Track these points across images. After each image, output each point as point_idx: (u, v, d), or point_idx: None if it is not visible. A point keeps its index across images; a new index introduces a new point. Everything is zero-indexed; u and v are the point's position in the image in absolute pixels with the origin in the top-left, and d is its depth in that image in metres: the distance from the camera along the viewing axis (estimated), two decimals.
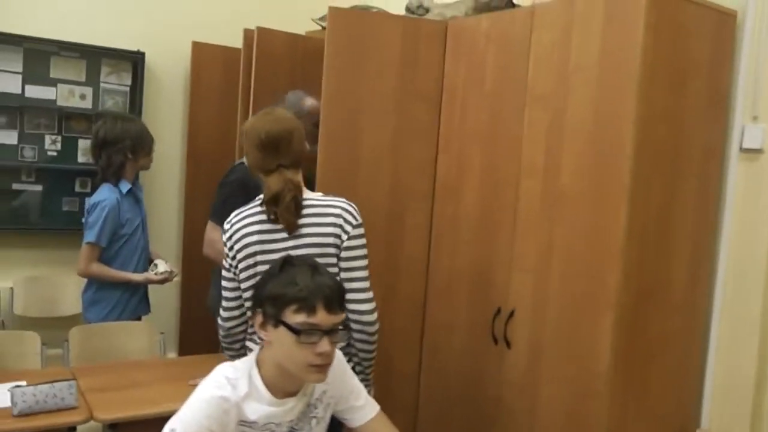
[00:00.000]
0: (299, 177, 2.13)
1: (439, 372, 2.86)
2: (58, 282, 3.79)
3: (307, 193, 2.13)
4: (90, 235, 3.04)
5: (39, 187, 3.79)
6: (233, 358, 2.29)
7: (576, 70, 2.31)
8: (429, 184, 2.88)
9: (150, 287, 3.29)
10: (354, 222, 2.10)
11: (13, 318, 3.69)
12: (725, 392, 2.46)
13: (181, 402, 2.33)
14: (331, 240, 2.07)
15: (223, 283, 2.20)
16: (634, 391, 2.29)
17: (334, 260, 2.08)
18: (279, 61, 3.30)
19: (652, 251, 2.27)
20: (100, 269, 3.08)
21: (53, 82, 3.75)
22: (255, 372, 1.69)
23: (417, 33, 2.80)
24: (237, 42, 4.02)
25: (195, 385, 2.42)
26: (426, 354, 2.93)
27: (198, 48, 3.99)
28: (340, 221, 2.08)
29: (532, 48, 2.47)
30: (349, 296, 2.00)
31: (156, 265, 3.19)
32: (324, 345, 1.59)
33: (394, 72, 2.78)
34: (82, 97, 3.83)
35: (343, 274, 2.07)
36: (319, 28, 3.90)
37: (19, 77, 3.67)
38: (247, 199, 2.36)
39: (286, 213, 2.05)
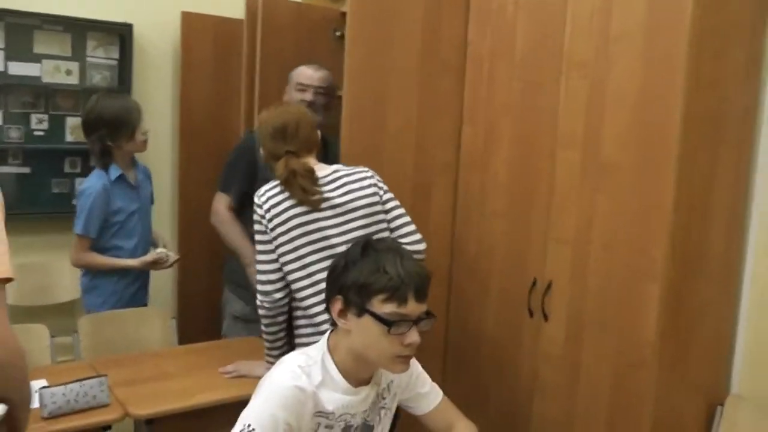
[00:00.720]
0: (309, 160, 2.27)
1: (467, 346, 2.83)
2: (52, 268, 3.61)
3: (328, 169, 2.27)
4: (77, 226, 2.87)
5: (26, 170, 3.57)
6: (274, 334, 2.27)
7: (618, 37, 2.25)
8: (453, 155, 2.81)
9: (152, 275, 3.16)
10: (381, 180, 2.33)
11: (8, 308, 3.50)
12: (755, 357, 2.47)
13: (216, 392, 2.31)
14: (376, 199, 2.26)
15: (261, 257, 2.23)
16: (678, 360, 2.28)
17: (385, 225, 2.27)
18: (284, 32, 3.15)
19: (697, 221, 2.24)
20: (92, 258, 2.91)
21: (37, 58, 3.52)
22: (328, 359, 1.62)
23: (439, 0, 2.70)
24: (227, 11, 3.90)
25: (226, 374, 2.42)
26: (452, 329, 2.89)
27: (188, 18, 3.79)
28: (374, 180, 2.29)
29: (568, 15, 2.39)
30: (406, 240, 2.28)
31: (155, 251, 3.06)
32: (413, 335, 1.53)
33: (418, 41, 2.68)
34: (68, 72, 3.61)
35: (393, 224, 2.29)
36: None
37: (1, 54, 3.44)
38: (250, 166, 2.73)
39: (293, 193, 2.18)
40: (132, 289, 3.02)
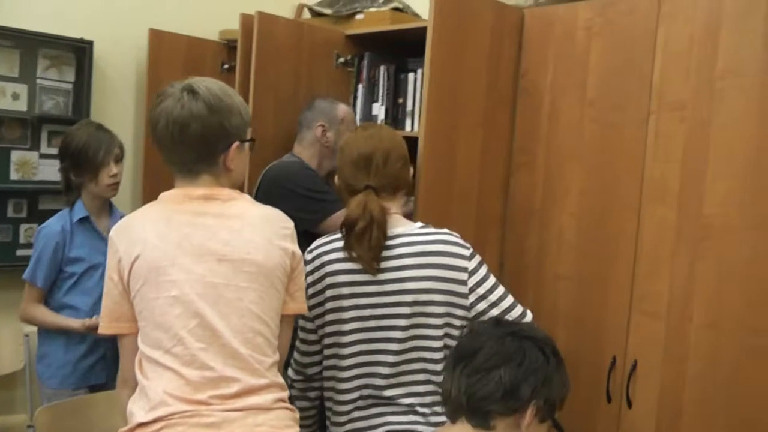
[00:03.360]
0: (393, 205, 1.84)
1: None
2: None
3: (403, 226, 1.83)
4: (26, 272, 2.39)
5: None
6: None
7: (726, 74, 1.89)
8: (501, 206, 2.39)
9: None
10: (466, 253, 1.80)
11: None
12: None
13: None
14: (446, 286, 1.77)
15: (301, 323, 1.89)
16: None
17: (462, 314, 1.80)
18: (282, 55, 2.66)
19: None
20: (35, 312, 2.41)
21: None
22: None
23: (503, 21, 2.29)
24: (200, 31, 3.45)
25: None
26: None
27: (156, 37, 3.25)
28: (451, 261, 1.77)
29: (658, 45, 2.02)
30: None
31: None
32: None
33: (483, 73, 2.28)
34: (15, 96, 3.01)
35: (495, 311, 1.78)
36: (309, 15, 3.30)
37: None
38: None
39: (357, 245, 1.75)
40: (86, 362, 2.44)
